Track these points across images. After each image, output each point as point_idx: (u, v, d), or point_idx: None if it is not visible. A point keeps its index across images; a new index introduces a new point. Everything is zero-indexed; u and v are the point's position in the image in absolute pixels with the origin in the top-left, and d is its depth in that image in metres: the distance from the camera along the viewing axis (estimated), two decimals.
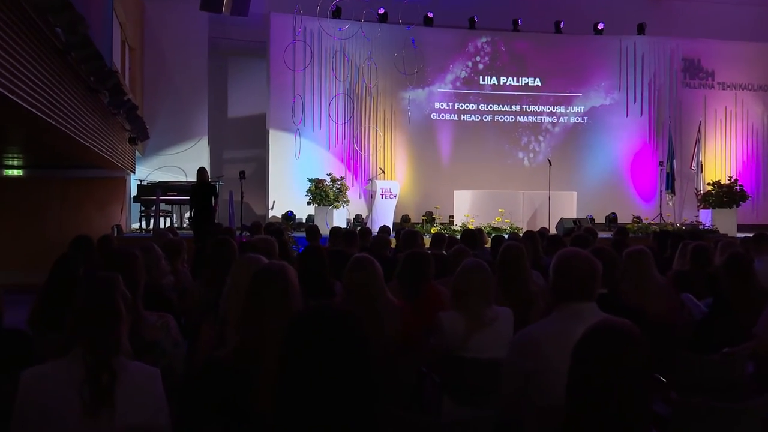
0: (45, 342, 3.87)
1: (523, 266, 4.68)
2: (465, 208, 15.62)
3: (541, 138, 19.10)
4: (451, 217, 16.33)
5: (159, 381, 2.43)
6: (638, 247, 5.28)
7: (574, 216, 15.69)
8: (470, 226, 14.25)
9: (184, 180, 15.95)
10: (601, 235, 10.23)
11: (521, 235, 9.29)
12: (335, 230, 8.11)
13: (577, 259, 2.81)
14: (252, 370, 2.35)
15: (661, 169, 18.22)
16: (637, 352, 1.88)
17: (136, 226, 15.25)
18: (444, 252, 6.96)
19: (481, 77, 18.86)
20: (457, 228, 14.51)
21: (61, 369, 2.40)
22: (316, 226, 8.41)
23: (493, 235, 9.74)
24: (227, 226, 9.83)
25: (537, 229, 14.00)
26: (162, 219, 14.67)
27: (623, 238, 8.47)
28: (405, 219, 17.55)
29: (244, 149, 18.48)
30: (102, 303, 2.45)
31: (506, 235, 9.51)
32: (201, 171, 12.26)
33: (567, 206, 16.06)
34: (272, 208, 17.00)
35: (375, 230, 10.61)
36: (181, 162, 16.45)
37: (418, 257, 4.57)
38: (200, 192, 11.96)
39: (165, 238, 6.67)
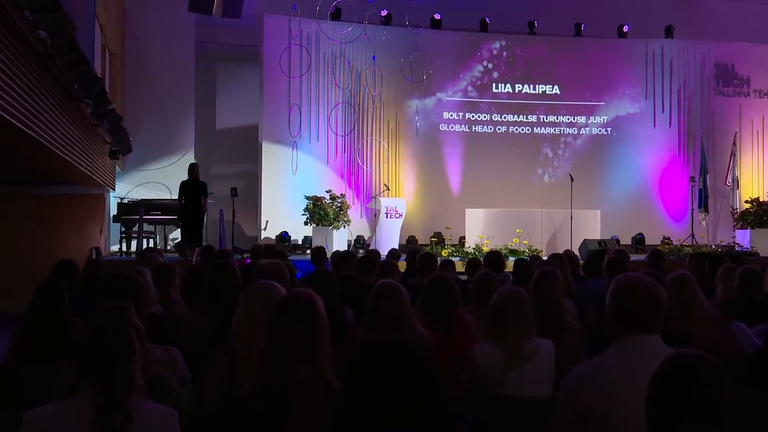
0: (30, 377, 3.83)
1: (559, 293, 4.67)
2: (478, 229, 15.59)
3: (560, 151, 19.13)
4: (462, 238, 16.29)
5: (177, 425, 2.38)
6: (681, 272, 5.25)
7: (598, 237, 15.64)
8: (485, 249, 14.34)
9: (168, 197, 15.93)
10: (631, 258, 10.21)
11: (544, 258, 9.27)
12: (338, 254, 8.09)
13: (639, 286, 2.79)
14: (280, 412, 2.30)
15: (693, 186, 18.23)
16: (722, 386, 1.86)
17: (115, 248, 15.20)
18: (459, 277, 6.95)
19: (494, 85, 18.92)
20: (470, 250, 14.46)
21: (68, 410, 2.36)
22: (323, 248, 8.36)
23: (513, 258, 9.69)
24: (222, 248, 9.76)
25: (558, 252, 14.08)
26: (144, 240, 14.61)
27: (659, 261, 8.46)
28: (411, 240, 17.54)
29: (234, 164, 18.47)
30: (114, 336, 2.41)
31: (526, 258, 9.45)
32: (193, 166, 13.34)
33: (590, 226, 16.04)
34: (265, 229, 16.99)
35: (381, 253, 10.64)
36: (165, 178, 16.42)
37: (444, 282, 4.53)
38: (191, 189, 13.05)
39: (155, 262, 6.59)
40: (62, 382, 2.51)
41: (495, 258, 7.28)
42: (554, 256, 7.87)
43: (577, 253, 13.70)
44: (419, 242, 17.65)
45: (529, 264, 7.73)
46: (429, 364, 1.77)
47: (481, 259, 8.74)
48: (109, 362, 2.40)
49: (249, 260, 9.48)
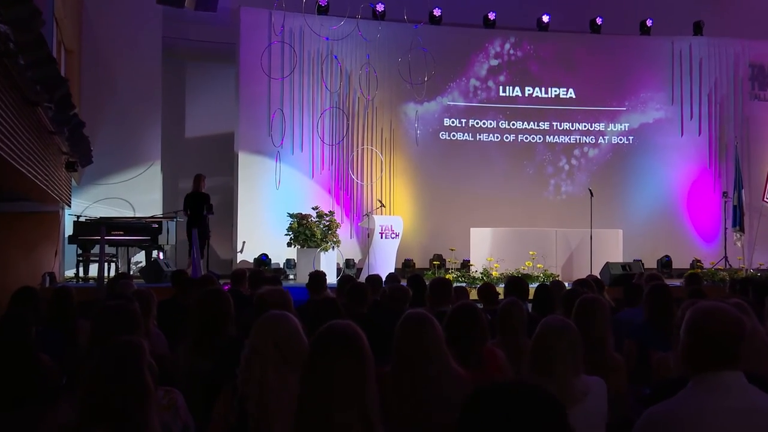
0: None
1: (605, 325, 4.67)
2: (484, 250, 15.57)
3: (575, 162, 19.19)
4: (466, 261, 16.25)
5: None
6: (736, 300, 5.24)
7: (621, 259, 15.66)
8: (494, 273, 14.34)
9: (132, 216, 15.83)
10: None
11: (566, 283, 9.24)
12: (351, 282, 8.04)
13: (719, 317, 2.76)
14: None
15: (726, 202, 18.31)
16: None
17: (71, 273, 15.07)
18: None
19: (501, 88, 19.01)
20: (477, 275, 14.43)
21: None
22: (323, 273, 8.32)
23: (537, 284, 9.65)
24: (207, 274, 9.69)
25: (574, 277, 14.05)
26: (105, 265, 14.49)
27: (698, 287, 8.42)
28: (407, 264, 17.52)
29: (206, 177, 18.36)
30: (127, 375, 2.36)
31: (547, 284, 9.42)
32: (195, 177, 15.08)
33: (611, 247, 16.06)
34: (241, 251, 16.92)
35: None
36: (127, 193, 16.36)
37: (471, 312, 4.50)
38: (193, 202, 14.78)
39: (129, 289, 6.57)
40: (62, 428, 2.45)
41: (518, 284, 7.24)
42: (580, 282, 7.83)
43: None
44: (416, 266, 17.63)
45: (552, 291, 7.71)
46: (563, 412, 1.76)
47: (496, 286, 8.76)
48: (123, 405, 2.34)
49: (227, 287, 9.40)
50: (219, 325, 4.73)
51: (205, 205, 14.96)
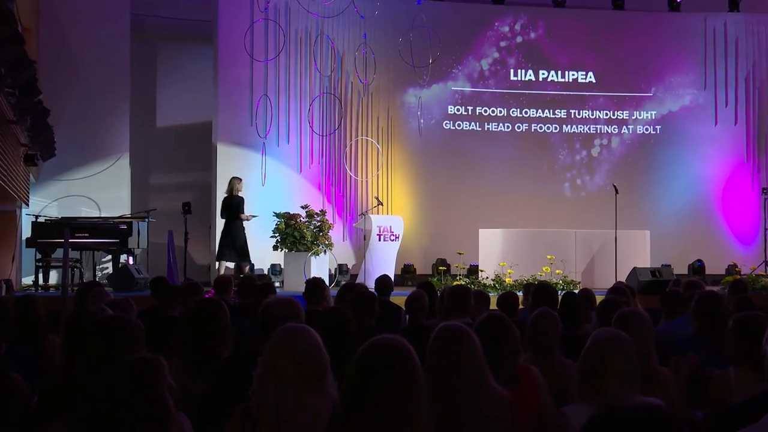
0: None
1: (650, 339, 4.68)
2: (495, 254, 15.54)
3: (596, 155, 19.19)
4: (474, 266, 16.20)
5: None
6: None
7: (648, 264, 15.66)
8: (508, 280, 14.32)
9: (97, 215, 15.77)
10: None
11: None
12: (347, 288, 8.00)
13: None
14: None
15: (766, 199, 18.34)
16: None
17: (29, 280, 14.98)
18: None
19: (512, 71, 19.01)
20: (488, 282, 14.40)
21: None
22: (321, 280, 8.29)
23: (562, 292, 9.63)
24: (193, 282, 9.67)
25: (595, 284, 14.05)
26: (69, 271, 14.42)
27: (745, 295, 8.40)
28: (407, 270, 17.49)
29: (181, 172, 18.38)
30: (146, 397, 2.33)
31: (574, 293, 9.41)
32: (230, 181, 15.76)
33: (637, 250, 16.06)
34: None
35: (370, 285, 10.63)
36: (92, 190, 16.35)
37: (502, 324, 4.47)
38: (226, 206, 15.58)
39: (105, 298, 6.56)
40: None
41: (547, 292, 7.20)
42: (616, 291, 7.80)
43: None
44: (418, 272, 17.61)
45: (580, 301, 7.68)
46: None
47: (518, 294, 8.74)
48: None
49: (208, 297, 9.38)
50: (215, 341, 4.71)
51: (235, 210, 15.48)
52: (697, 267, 17.80)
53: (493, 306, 8.20)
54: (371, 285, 10.60)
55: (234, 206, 15.44)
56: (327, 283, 13.90)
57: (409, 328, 7.33)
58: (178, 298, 7.41)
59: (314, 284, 8.06)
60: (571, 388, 5.02)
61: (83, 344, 4.16)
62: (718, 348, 5.45)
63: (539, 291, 7.29)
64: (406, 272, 17.40)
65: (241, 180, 15.78)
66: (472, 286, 14.24)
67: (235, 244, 15.31)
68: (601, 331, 3.92)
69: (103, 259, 16.03)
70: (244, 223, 15.46)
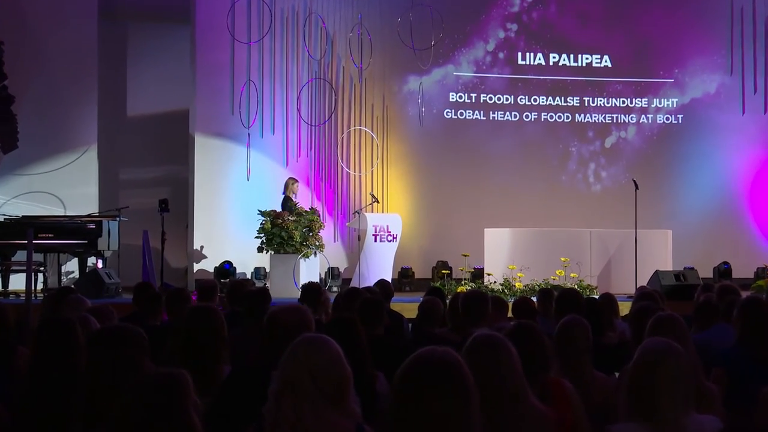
0: None
1: (691, 347, 4.72)
2: (502, 255, 15.54)
3: (611, 147, 19.21)
4: (478, 268, 16.18)
5: None
6: None
7: (670, 267, 15.67)
8: (518, 285, 14.32)
9: (62, 214, 15.73)
10: None
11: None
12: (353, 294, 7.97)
13: None
14: None
15: None
16: None
17: None
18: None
19: (519, 55, 18.99)
20: (497, 287, 14.39)
21: None
22: (317, 284, 8.28)
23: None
24: (170, 286, 9.66)
25: (612, 288, 14.03)
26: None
27: None
28: (405, 273, 17.48)
29: (154, 165, 18.38)
30: (171, 421, 2.30)
31: (595, 298, 9.43)
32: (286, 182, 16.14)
33: (659, 252, 16.09)
34: (197, 258, 16.86)
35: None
36: (56, 186, 16.44)
37: (532, 334, 4.50)
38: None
39: (83, 306, 6.54)
40: None
41: (574, 298, 7.20)
42: (645, 296, 7.80)
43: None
44: (416, 275, 17.61)
45: (602, 307, 7.68)
46: None
47: (532, 300, 8.74)
48: None
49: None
50: (211, 354, 4.70)
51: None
52: (724, 270, 17.80)
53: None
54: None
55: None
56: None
57: (418, 337, 7.31)
58: (162, 306, 7.40)
59: (311, 290, 8.04)
60: (603, 403, 5.05)
61: (72, 356, 4.15)
62: (764, 359, 5.46)
63: (565, 298, 7.26)
64: (404, 276, 17.39)
65: (295, 181, 16.09)
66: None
67: None
68: (652, 342, 3.92)
69: (68, 263, 15.98)
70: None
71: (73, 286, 13.17)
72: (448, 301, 8.79)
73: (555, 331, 5.44)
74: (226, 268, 16.34)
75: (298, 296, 9.03)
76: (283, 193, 15.84)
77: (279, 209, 15.44)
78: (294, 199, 15.77)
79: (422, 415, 2.45)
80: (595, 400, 4.97)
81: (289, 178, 16.13)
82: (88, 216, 15.31)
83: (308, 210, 15.67)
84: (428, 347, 2.72)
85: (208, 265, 16.65)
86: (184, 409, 2.37)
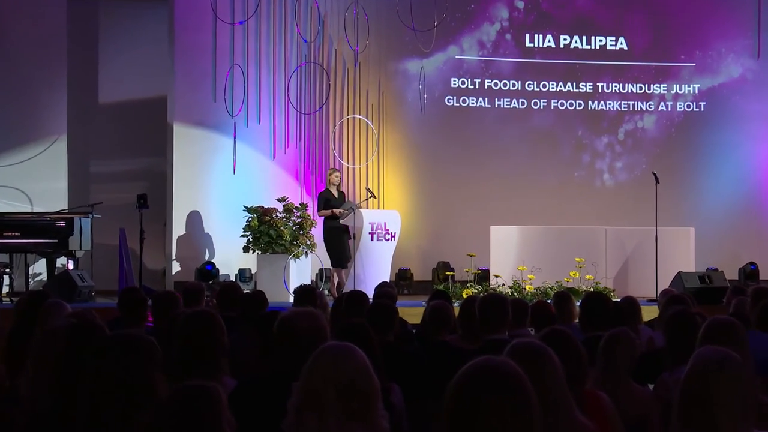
0: None
1: (747, 359, 4.63)
2: (510, 255, 15.58)
3: (628, 137, 19.22)
4: (483, 269, 16.13)
5: None
6: None
7: (693, 268, 15.68)
8: (528, 287, 14.29)
9: (29, 210, 15.70)
10: None
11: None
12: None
13: None
14: None
15: None
16: None
17: None
18: None
19: (527, 36, 18.99)
20: (506, 290, 14.35)
21: None
22: (311, 287, 8.26)
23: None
24: (150, 289, 9.62)
25: (629, 291, 14.02)
26: None
27: None
28: (403, 275, 17.45)
29: (129, 158, 18.32)
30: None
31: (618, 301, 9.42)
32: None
33: (680, 251, 16.15)
34: (176, 258, 16.87)
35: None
36: (21, 180, 16.46)
37: (567, 342, 4.47)
38: None
39: (63, 312, 6.49)
40: None
41: (600, 302, 7.18)
42: (674, 299, 7.78)
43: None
44: (415, 277, 17.61)
45: (624, 312, 7.66)
46: None
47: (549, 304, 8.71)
48: None
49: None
50: (212, 363, 4.67)
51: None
52: (750, 271, 17.82)
53: None
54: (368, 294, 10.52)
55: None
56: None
57: (426, 345, 7.25)
58: (147, 311, 7.36)
59: (307, 293, 8.01)
60: (640, 416, 5.04)
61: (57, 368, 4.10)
62: None
63: (591, 303, 7.23)
64: (402, 278, 17.37)
65: (334, 171, 16.58)
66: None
67: (329, 247, 15.93)
68: (707, 350, 3.85)
69: (36, 264, 15.93)
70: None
71: (42, 289, 13.12)
72: (456, 305, 8.78)
73: (601, 341, 5.44)
74: (208, 270, 16.28)
75: (289, 300, 9.02)
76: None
77: (279, 206, 15.43)
78: (333, 192, 16.12)
79: (483, 427, 2.41)
80: (632, 413, 4.97)
81: (330, 168, 16.88)
82: (58, 213, 15.30)
83: (298, 206, 15.66)
84: (485, 357, 2.67)
85: (189, 266, 16.60)
86: (218, 423, 2.33)
